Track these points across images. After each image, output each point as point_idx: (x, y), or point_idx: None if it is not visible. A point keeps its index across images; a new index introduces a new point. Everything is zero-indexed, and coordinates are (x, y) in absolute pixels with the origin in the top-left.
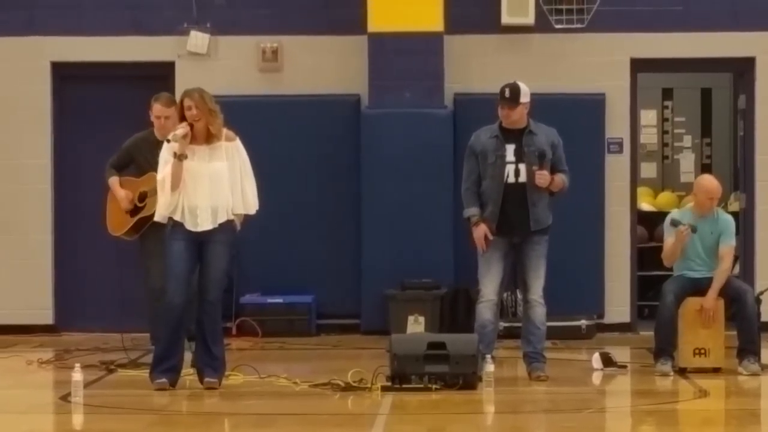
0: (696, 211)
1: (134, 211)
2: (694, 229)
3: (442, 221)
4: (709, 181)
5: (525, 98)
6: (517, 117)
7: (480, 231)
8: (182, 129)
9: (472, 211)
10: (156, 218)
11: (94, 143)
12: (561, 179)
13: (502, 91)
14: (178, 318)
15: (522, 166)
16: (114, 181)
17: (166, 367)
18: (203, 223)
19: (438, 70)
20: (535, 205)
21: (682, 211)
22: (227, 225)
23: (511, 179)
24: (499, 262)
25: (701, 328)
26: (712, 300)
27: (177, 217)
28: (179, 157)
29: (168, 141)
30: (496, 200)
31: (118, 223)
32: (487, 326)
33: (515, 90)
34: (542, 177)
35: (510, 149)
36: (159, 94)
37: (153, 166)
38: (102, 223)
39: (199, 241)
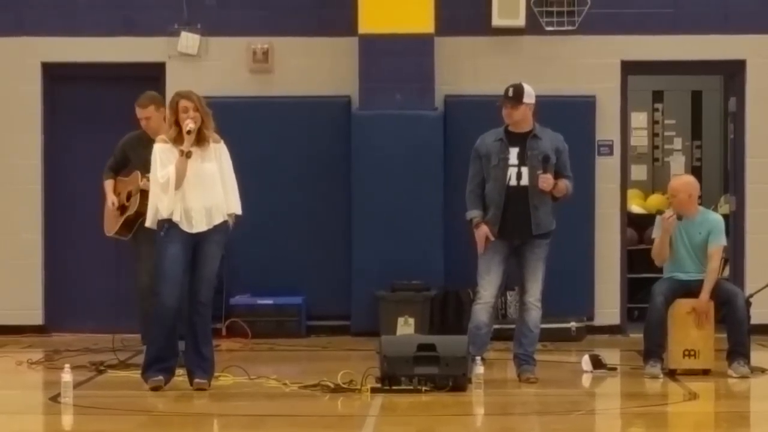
0: (683, 213)
1: (123, 210)
2: (679, 217)
3: (433, 223)
4: (676, 180)
5: (528, 99)
6: (519, 117)
7: (482, 231)
8: (192, 123)
9: (473, 213)
10: (147, 223)
11: (84, 144)
12: (564, 185)
13: (506, 90)
14: (173, 321)
15: (525, 170)
16: (108, 184)
17: (160, 368)
18: (198, 224)
19: (428, 71)
20: (537, 209)
21: None
22: (221, 226)
23: (513, 182)
24: (499, 266)
25: (692, 329)
26: (704, 302)
27: (174, 219)
28: (186, 155)
29: (182, 152)
30: (498, 203)
31: (110, 224)
32: (482, 328)
33: (518, 90)
34: (546, 180)
35: (514, 152)
36: (140, 96)
37: (145, 164)
38: (98, 223)
39: (194, 243)
